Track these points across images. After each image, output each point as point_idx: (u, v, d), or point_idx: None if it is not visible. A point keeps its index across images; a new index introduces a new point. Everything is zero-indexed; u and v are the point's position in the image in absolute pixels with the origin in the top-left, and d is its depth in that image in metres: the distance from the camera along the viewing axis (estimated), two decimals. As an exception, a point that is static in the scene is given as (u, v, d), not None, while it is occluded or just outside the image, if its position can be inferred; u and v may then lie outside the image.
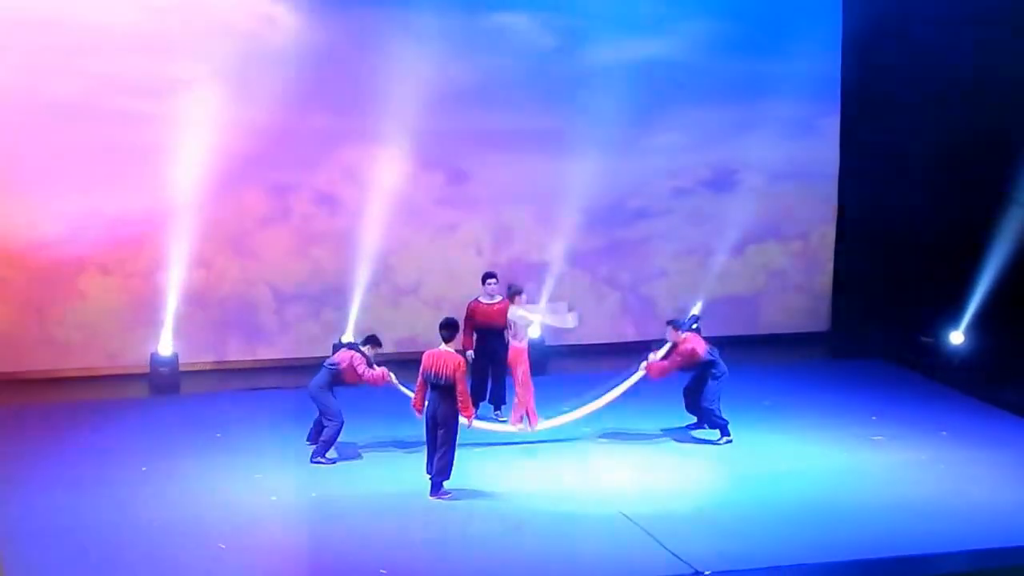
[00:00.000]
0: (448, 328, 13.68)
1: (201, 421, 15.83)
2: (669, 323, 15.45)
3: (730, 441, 15.14)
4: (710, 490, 13.75)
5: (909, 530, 12.61)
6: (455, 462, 13.53)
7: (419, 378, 13.63)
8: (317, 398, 14.50)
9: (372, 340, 14.78)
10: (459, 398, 13.37)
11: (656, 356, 15.17)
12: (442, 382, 13.36)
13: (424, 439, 13.66)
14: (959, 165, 19.04)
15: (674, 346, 15.15)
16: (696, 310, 15.43)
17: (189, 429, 15.51)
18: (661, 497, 13.50)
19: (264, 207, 18.25)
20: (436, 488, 13.42)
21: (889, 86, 19.43)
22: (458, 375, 13.36)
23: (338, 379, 14.53)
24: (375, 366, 14.57)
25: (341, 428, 14.43)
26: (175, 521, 12.72)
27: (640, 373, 15.13)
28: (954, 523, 12.81)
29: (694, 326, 15.63)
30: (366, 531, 12.58)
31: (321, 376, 14.55)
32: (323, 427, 14.51)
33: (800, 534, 12.54)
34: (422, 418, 13.69)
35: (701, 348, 15.11)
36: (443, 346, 13.58)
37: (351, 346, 14.93)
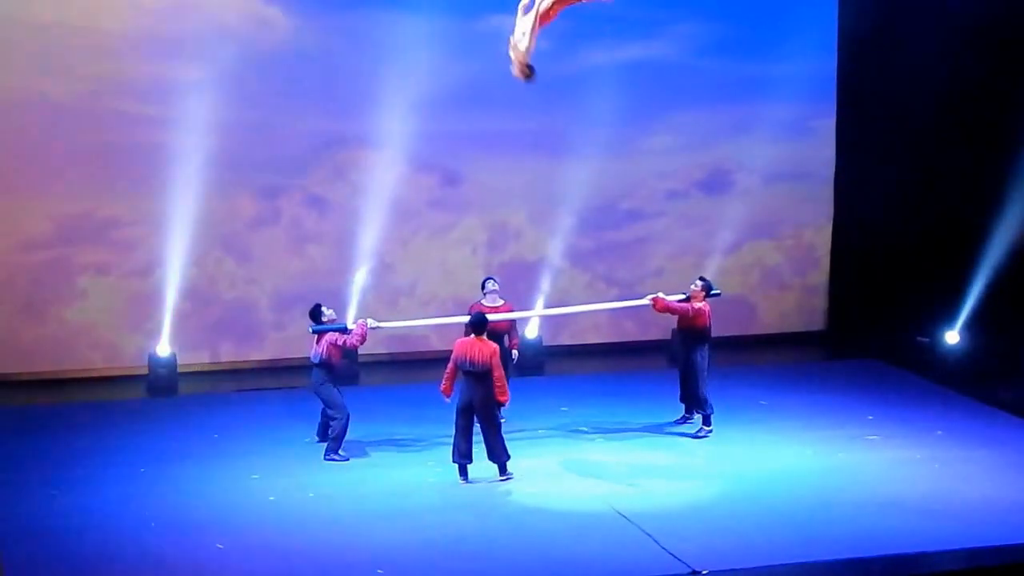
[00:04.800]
0: (477, 325, 14.01)
1: (199, 422, 15.87)
2: (702, 279, 15.65)
3: (711, 432, 15.26)
4: (706, 488, 13.75)
5: (905, 528, 12.62)
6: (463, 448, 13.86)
7: (450, 364, 13.92)
8: (320, 394, 14.58)
9: (316, 312, 14.79)
10: (496, 383, 13.71)
11: (669, 297, 15.43)
12: (477, 369, 13.67)
13: (455, 426, 13.87)
14: (955, 166, 19.07)
15: (688, 300, 15.41)
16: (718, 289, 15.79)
17: (187, 430, 15.54)
18: (658, 495, 13.51)
19: (260, 208, 18.30)
20: (503, 470, 13.87)
21: (885, 87, 19.45)
22: (494, 361, 13.72)
23: (332, 367, 14.59)
24: (348, 328, 14.67)
25: (348, 421, 14.51)
26: (173, 522, 12.73)
27: (646, 300, 15.43)
28: (949, 521, 12.80)
29: (713, 292, 15.71)
30: (364, 532, 12.59)
31: (316, 374, 14.61)
32: (330, 423, 14.58)
33: (796, 532, 12.55)
34: (449, 401, 13.98)
35: (708, 318, 15.33)
36: (473, 336, 13.91)
37: (316, 331, 14.73)
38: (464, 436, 13.81)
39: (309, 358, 14.77)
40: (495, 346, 13.93)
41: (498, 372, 13.74)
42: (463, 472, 13.85)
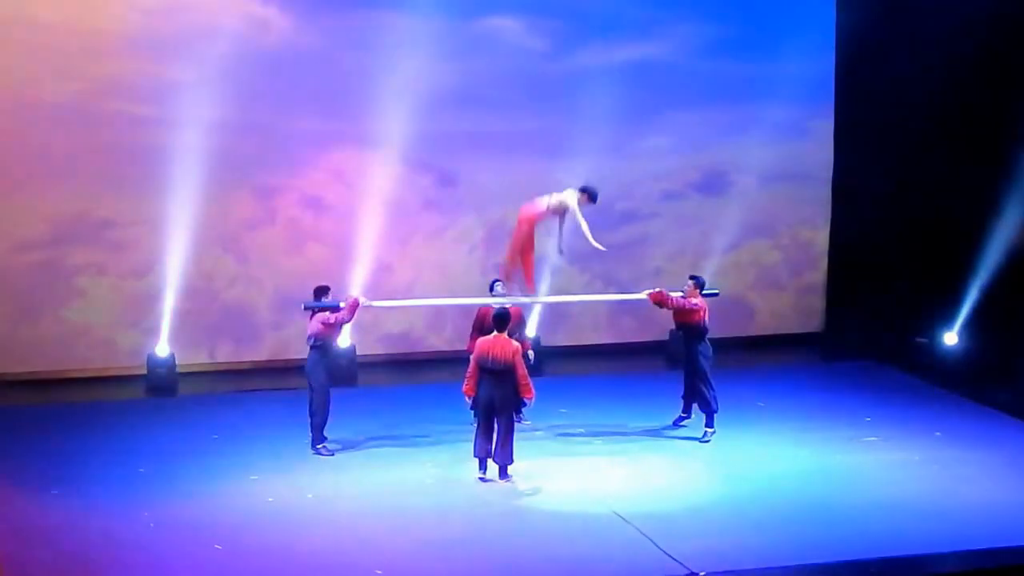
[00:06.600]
0: (499, 320, 14.02)
1: (198, 422, 15.87)
2: (692, 278, 15.63)
3: (713, 432, 15.27)
4: (704, 490, 13.78)
5: (903, 531, 12.62)
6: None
7: (472, 364, 13.98)
8: (311, 378, 14.58)
9: (323, 291, 14.83)
10: (520, 380, 13.83)
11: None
12: (500, 367, 13.75)
13: (476, 423, 14.01)
14: (952, 167, 19.07)
15: (684, 298, 15.44)
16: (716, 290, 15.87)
17: (186, 430, 15.54)
18: (655, 497, 13.52)
19: (257, 208, 18.31)
20: (504, 472, 13.91)
21: (883, 88, 19.46)
22: (517, 359, 13.83)
23: (327, 349, 14.64)
24: (340, 304, 14.69)
25: (327, 411, 14.53)
26: (172, 522, 12.72)
27: (643, 295, 15.50)
28: (947, 523, 12.82)
29: (708, 292, 15.72)
30: (363, 532, 12.60)
31: (312, 355, 14.62)
32: (309, 410, 14.62)
33: (794, 534, 12.55)
34: (469, 402, 14.07)
35: (704, 313, 15.32)
36: (495, 334, 13.95)
37: (307, 308, 14.76)
38: (485, 433, 13.90)
39: (307, 341, 14.76)
40: (517, 344, 14.01)
41: (521, 370, 13.84)
42: (483, 466, 13.96)
